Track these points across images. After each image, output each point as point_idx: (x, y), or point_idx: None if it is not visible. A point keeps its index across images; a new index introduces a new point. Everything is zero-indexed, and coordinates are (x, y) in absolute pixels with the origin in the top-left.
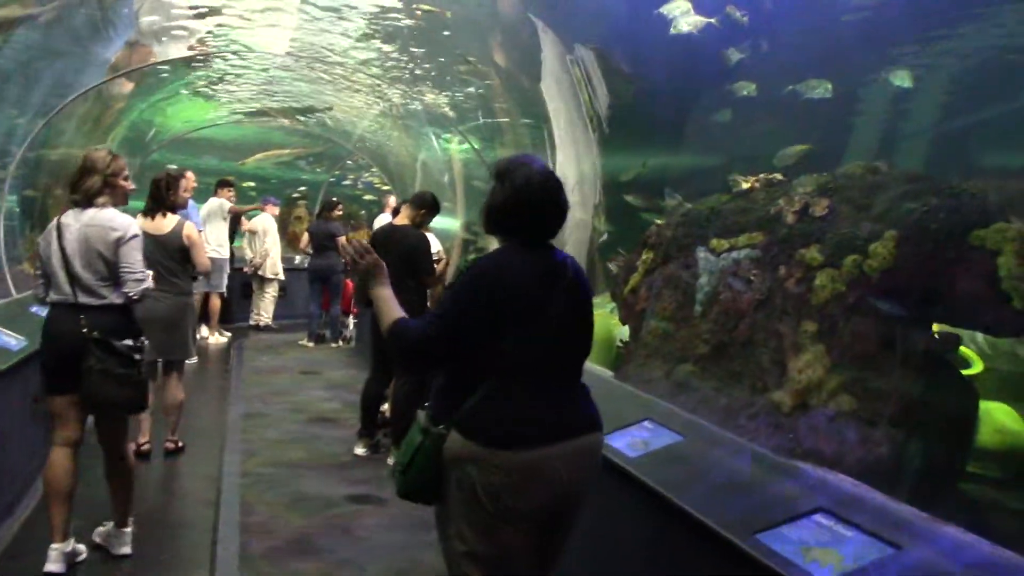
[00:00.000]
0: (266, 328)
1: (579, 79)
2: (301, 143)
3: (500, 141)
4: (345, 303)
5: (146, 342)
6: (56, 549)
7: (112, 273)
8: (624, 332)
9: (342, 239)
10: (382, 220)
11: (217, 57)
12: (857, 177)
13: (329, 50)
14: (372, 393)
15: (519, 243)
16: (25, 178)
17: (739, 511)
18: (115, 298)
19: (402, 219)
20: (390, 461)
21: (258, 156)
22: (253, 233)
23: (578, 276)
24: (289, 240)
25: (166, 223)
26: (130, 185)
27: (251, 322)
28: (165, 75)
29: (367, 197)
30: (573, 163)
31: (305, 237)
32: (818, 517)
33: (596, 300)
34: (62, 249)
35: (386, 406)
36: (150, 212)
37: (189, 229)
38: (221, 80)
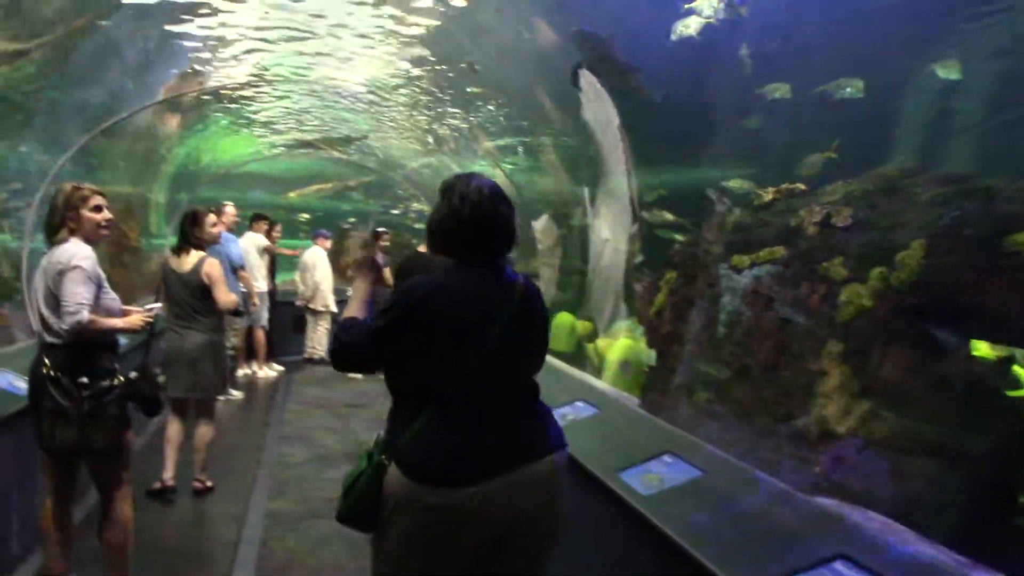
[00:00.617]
0: (320, 361)
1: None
2: (349, 174)
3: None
4: None
5: (127, 378)
6: None
7: None
8: (652, 356)
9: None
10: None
11: (262, 89)
12: (884, 182)
13: (374, 85)
14: None
15: (464, 262)
16: None
17: (752, 558)
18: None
19: (426, 247)
20: None
21: (304, 190)
22: (304, 268)
23: (528, 298)
24: (341, 271)
25: (188, 260)
26: (98, 216)
27: (305, 355)
28: (214, 110)
29: (418, 226)
30: (613, 186)
31: None
32: (838, 565)
33: (625, 324)
34: (35, 289)
35: None
36: (176, 249)
37: (210, 267)
38: (263, 112)
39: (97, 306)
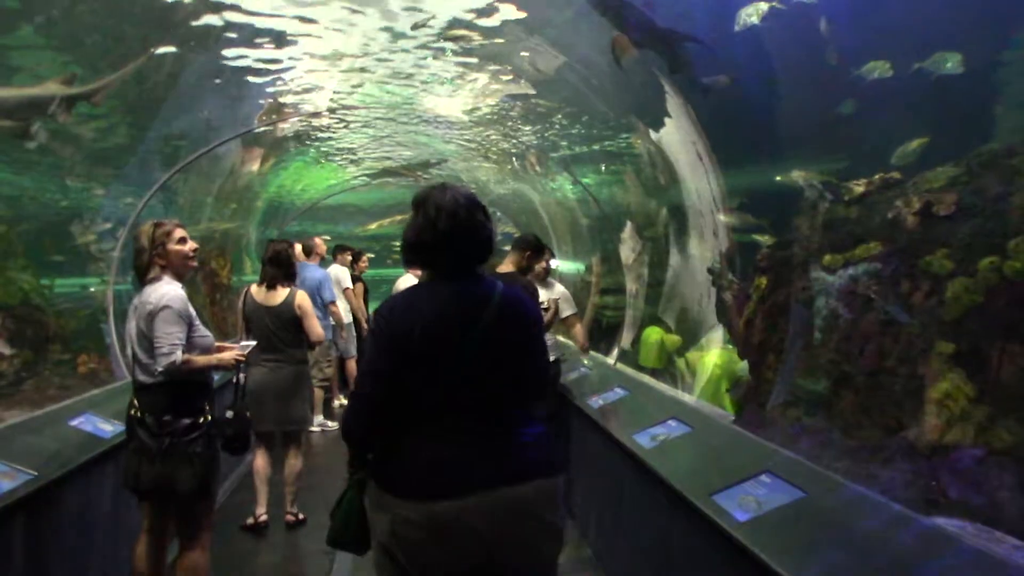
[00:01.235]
0: None
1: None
2: None
3: (621, 186)
4: None
5: (222, 418)
6: None
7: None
8: (745, 368)
9: None
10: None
11: (344, 118)
12: (992, 163)
13: (462, 112)
14: None
15: (438, 276)
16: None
17: None
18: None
19: (507, 265)
20: None
21: (383, 220)
22: None
23: (509, 308)
24: None
25: (279, 294)
26: (185, 248)
27: None
28: (298, 142)
29: (506, 247)
30: (694, 192)
31: None
32: None
33: (715, 336)
34: (128, 331)
35: None
36: (265, 283)
37: (301, 299)
38: (345, 142)
39: (190, 345)
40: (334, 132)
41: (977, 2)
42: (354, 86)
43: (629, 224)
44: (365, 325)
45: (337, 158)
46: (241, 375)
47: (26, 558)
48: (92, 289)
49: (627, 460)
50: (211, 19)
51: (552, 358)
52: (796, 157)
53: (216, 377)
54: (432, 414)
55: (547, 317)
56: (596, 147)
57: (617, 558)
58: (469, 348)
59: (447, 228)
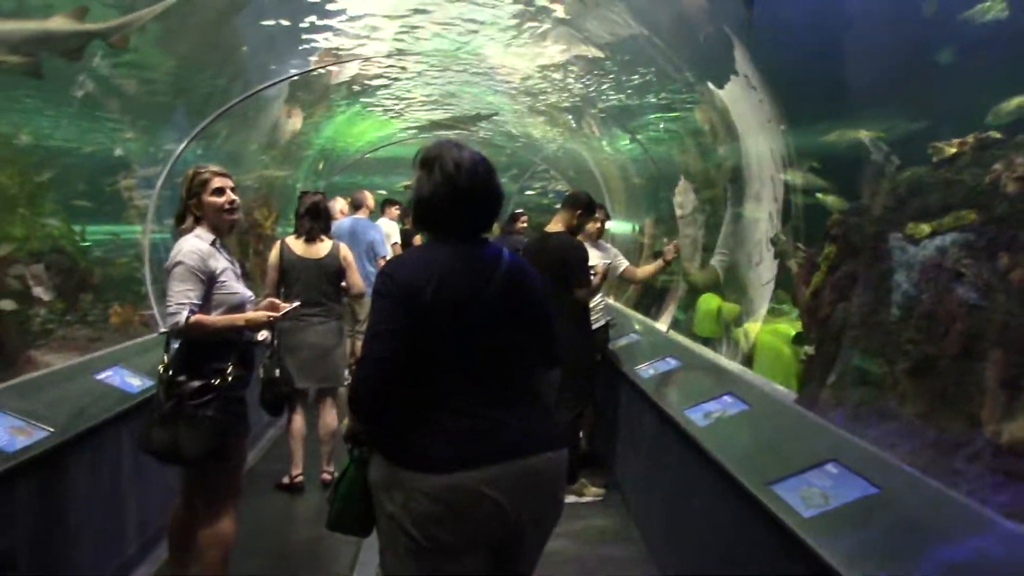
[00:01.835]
0: None
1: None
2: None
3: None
4: None
5: (235, 377)
6: None
7: None
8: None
9: None
10: None
11: (397, 69)
12: None
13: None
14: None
15: (447, 238)
16: None
17: None
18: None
19: (556, 224)
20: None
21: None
22: None
23: (517, 274)
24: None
25: (321, 246)
26: (220, 200)
27: None
28: (348, 93)
29: (557, 207)
30: (754, 150)
31: None
32: None
33: (778, 306)
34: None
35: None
36: (304, 236)
37: (345, 251)
38: (396, 94)
39: (214, 303)
40: (387, 79)
41: None
42: (413, 27)
43: (685, 183)
44: None
45: (386, 109)
46: (271, 335)
47: (38, 520)
48: (133, 237)
49: (678, 437)
50: None
51: (602, 322)
52: (874, 116)
53: (262, 336)
54: (446, 382)
55: (595, 281)
56: (654, 100)
57: (663, 538)
58: (482, 309)
59: (467, 185)
